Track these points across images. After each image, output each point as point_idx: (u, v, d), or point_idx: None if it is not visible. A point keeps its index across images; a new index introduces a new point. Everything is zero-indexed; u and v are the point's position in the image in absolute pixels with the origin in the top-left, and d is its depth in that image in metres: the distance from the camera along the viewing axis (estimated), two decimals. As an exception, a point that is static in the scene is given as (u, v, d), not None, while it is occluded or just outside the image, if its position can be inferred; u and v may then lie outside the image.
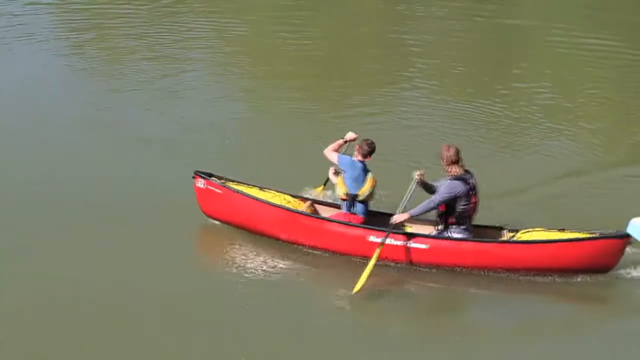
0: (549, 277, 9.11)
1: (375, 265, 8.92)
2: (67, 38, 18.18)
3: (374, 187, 9.62)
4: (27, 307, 8.39)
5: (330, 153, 9.81)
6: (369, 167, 9.71)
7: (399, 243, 9.20)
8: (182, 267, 9.28)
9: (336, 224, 9.48)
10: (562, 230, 9.30)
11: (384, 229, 9.27)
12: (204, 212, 10.15)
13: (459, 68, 17.10)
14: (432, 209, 9.15)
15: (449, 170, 9.12)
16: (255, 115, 14.11)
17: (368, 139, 9.75)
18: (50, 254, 9.37)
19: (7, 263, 9.14)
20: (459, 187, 9.03)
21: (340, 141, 9.94)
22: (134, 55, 16.91)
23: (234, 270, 9.41)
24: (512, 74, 16.97)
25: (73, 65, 16.23)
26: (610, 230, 9.16)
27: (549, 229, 9.34)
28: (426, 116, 14.22)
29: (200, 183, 10.05)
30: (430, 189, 9.39)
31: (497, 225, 9.62)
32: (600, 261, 9.09)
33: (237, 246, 9.84)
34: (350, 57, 17.94)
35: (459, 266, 9.17)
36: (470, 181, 9.11)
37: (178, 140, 12.58)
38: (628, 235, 9.04)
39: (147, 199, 10.66)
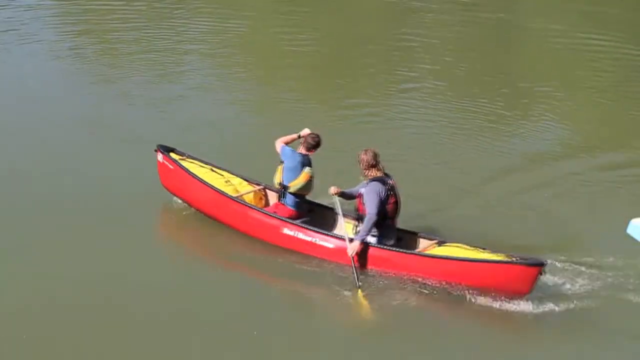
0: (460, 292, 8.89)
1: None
2: (65, 37, 18.10)
3: (307, 181, 9.63)
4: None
5: (278, 143, 9.93)
6: (313, 162, 9.73)
7: (314, 240, 9.30)
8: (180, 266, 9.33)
9: (256, 211, 9.69)
10: (483, 249, 9.06)
11: (297, 222, 9.46)
12: (163, 186, 10.45)
13: (458, 65, 17.17)
14: (373, 223, 9.04)
15: (368, 173, 9.11)
16: (254, 114, 14.11)
17: (314, 133, 9.81)
18: (50, 253, 9.37)
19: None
20: (380, 188, 9.00)
21: (294, 135, 10.01)
22: (133, 54, 16.92)
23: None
24: (512, 72, 16.97)
25: (72, 64, 16.18)
26: (530, 257, 8.79)
27: (473, 247, 9.10)
28: (426, 114, 14.26)
29: (159, 157, 10.39)
30: (351, 196, 9.41)
31: (415, 231, 9.49)
32: (511, 286, 8.74)
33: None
34: (350, 54, 17.94)
35: (366, 268, 9.15)
36: (388, 182, 9.08)
37: (177, 139, 12.49)
38: (542, 264, 8.69)
39: (145, 199, 10.68)
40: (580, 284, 9.05)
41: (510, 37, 20.49)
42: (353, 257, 9.02)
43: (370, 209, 8.95)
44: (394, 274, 9.00)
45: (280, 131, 12.62)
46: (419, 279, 8.91)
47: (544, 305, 8.71)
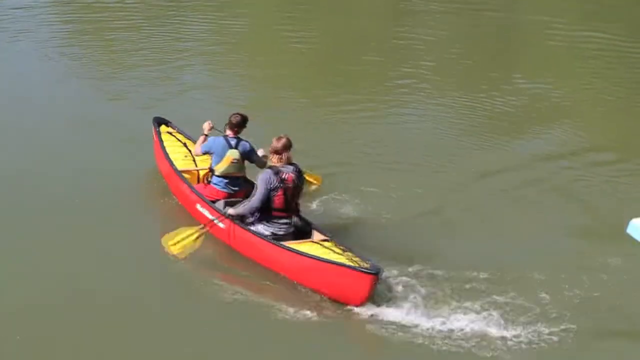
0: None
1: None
2: (63, 35, 18.15)
3: (230, 164, 9.73)
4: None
5: (197, 148, 10.14)
6: (243, 141, 9.84)
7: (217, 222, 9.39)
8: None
9: (184, 183, 10.07)
10: (348, 251, 8.81)
11: (210, 202, 9.62)
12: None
13: (458, 61, 17.18)
14: (252, 208, 9.05)
15: (270, 158, 9.16)
16: (253, 112, 13.98)
17: (233, 114, 9.93)
18: (46, 253, 9.35)
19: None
20: (270, 177, 8.96)
21: (202, 137, 10.16)
22: (129, 52, 16.91)
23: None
24: (512, 70, 16.94)
25: (64, 61, 16.16)
26: (370, 264, 8.43)
27: (343, 248, 8.89)
28: (425, 111, 14.25)
29: (153, 130, 11.10)
30: (249, 158, 9.86)
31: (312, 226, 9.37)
32: (346, 292, 8.44)
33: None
34: (349, 51, 17.92)
35: (246, 255, 9.23)
36: (283, 174, 8.99)
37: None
38: (377, 274, 8.26)
39: (139, 196, 10.77)
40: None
41: (510, 33, 20.50)
42: (214, 221, 9.27)
43: (254, 196, 9.03)
44: (256, 260, 9.06)
45: (279, 129, 12.63)
46: (275, 270, 8.92)
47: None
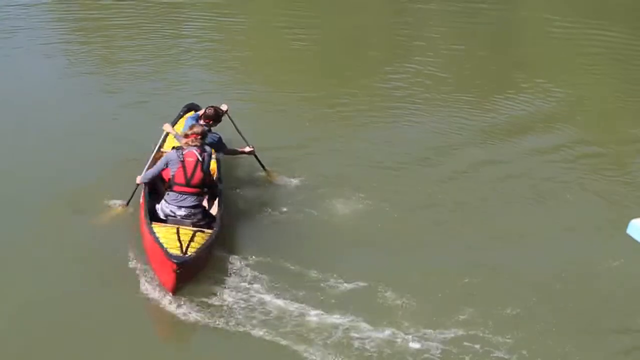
0: None
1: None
2: (62, 32, 18.09)
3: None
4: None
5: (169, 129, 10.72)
6: (212, 134, 10.18)
7: None
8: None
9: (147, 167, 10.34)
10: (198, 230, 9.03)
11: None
12: None
13: (459, 59, 17.06)
14: (146, 178, 9.71)
15: (181, 141, 9.69)
16: (252, 109, 13.95)
17: (210, 105, 10.59)
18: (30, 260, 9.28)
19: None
20: (171, 154, 9.41)
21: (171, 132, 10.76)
22: (125, 48, 16.84)
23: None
24: (513, 69, 16.85)
25: (66, 62, 16.03)
26: (195, 256, 8.57)
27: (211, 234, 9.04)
28: (425, 107, 14.16)
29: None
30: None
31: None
32: (163, 275, 8.59)
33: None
34: (349, 48, 17.88)
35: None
36: (185, 151, 9.33)
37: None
38: (179, 263, 8.32)
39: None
40: None
41: (511, 30, 20.43)
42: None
43: (151, 169, 9.72)
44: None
45: (279, 126, 12.61)
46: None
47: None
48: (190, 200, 9.30)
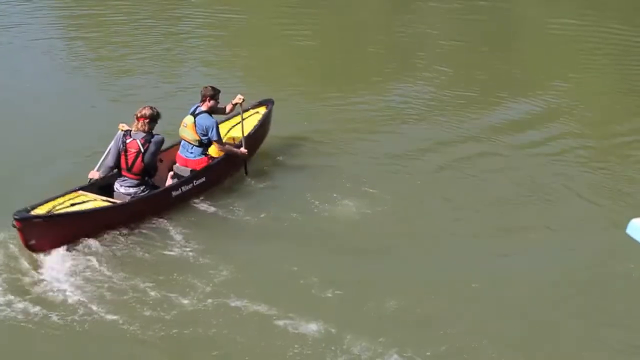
0: None
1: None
2: (58, 30, 18.02)
3: (182, 126, 10.45)
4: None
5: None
6: (206, 114, 10.37)
7: None
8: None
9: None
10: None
11: None
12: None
13: (459, 56, 17.04)
14: (104, 158, 9.78)
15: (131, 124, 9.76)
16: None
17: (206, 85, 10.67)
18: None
19: None
20: (118, 137, 9.65)
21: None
22: (125, 45, 16.82)
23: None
24: (513, 67, 16.81)
25: (64, 62, 15.99)
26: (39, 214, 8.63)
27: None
28: (424, 105, 14.13)
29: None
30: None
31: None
32: None
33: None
34: (349, 45, 17.83)
35: None
36: (128, 138, 9.57)
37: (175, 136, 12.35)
38: (19, 219, 8.38)
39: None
40: None
41: (510, 26, 20.41)
42: None
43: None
44: None
45: (278, 122, 12.55)
46: None
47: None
48: (130, 183, 9.64)
